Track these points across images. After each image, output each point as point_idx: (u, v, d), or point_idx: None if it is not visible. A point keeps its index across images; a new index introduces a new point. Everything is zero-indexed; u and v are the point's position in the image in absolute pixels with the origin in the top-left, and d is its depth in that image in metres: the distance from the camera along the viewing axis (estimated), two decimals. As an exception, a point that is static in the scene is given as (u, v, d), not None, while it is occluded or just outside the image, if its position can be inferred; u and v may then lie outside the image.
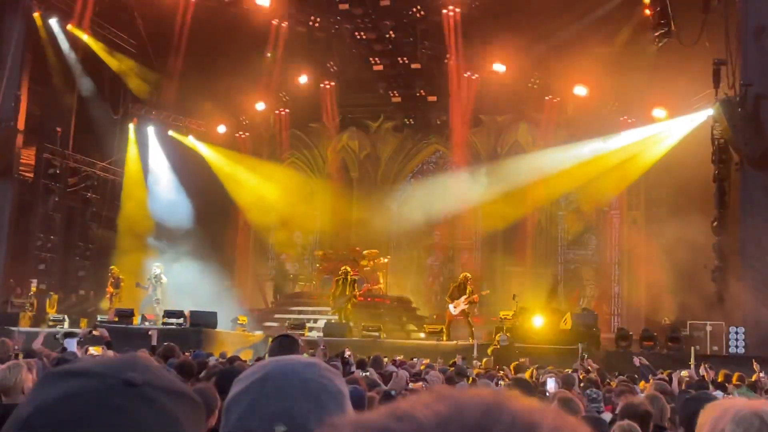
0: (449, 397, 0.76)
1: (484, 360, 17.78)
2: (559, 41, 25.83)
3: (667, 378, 11.88)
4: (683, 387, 11.22)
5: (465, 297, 23.05)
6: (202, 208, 28.17)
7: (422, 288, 30.41)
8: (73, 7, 25.52)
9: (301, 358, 1.72)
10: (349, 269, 24.40)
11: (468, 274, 24.10)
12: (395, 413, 0.75)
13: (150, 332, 13.85)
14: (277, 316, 26.68)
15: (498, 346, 20.20)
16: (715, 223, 21.97)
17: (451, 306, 23.16)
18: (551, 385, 8.10)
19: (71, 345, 10.82)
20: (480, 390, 0.79)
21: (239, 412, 1.56)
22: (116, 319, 20.46)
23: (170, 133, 29.23)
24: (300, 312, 26.57)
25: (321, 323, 23.85)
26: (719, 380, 12.77)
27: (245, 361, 12.79)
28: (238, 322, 22.97)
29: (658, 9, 23.11)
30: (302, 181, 31.13)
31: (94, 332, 12.44)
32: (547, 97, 28.31)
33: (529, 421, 0.74)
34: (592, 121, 27.87)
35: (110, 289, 24.30)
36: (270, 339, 20.10)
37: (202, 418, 1.07)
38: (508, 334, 20.56)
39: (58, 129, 26.26)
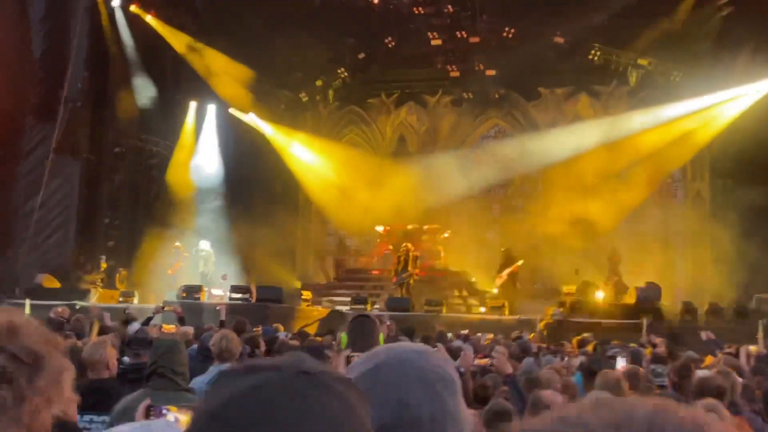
0: (615, 406, 0.83)
1: (532, 335, 17.52)
2: (620, 10, 25.46)
3: (734, 352, 11.77)
4: (751, 362, 11.11)
5: (508, 270, 23.55)
6: (261, 184, 28.50)
7: (483, 262, 30.33)
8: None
9: (412, 345, 1.76)
10: (410, 246, 24.55)
11: (508, 247, 24.57)
12: (565, 419, 0.83)
13: (218, 308, 14.14)
14: (338, 291, 26.94)
15: (551, 321, 20.08)
16: (783, 194, 21.59)
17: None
18: (621, 363, 8.09)
19: (134, 327, 11.07)
20: (641, 399, 0.86)
21: None
22: (184, 294, 20.89)
23: (230, 110, 29.53)
24: (361, 287, 26.79)
25: (383, 298, 24.03)
26: (788, 355, 12.60)
27: (312, 335, 13.02)
28: (302, 297, 23.25)
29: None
30: (361, 157, 31.24)
31: (167, 308, 12.74)
32: (608, 69, 27.92)
33: (693, 430, 0.81)
34: (654, 92, 27.48)
35: (179, 263, 24.80)
36: (333, 312, 20.45)
37: (368, 405, 1.13)
38: (561, 309, 20.46)
39: (123, 108, 26.79)
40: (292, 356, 1.16)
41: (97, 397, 5.79)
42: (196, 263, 24.84)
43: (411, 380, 1.58)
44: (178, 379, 5.48)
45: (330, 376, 1.11)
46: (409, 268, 23.80)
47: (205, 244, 24.74)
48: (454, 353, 9.65)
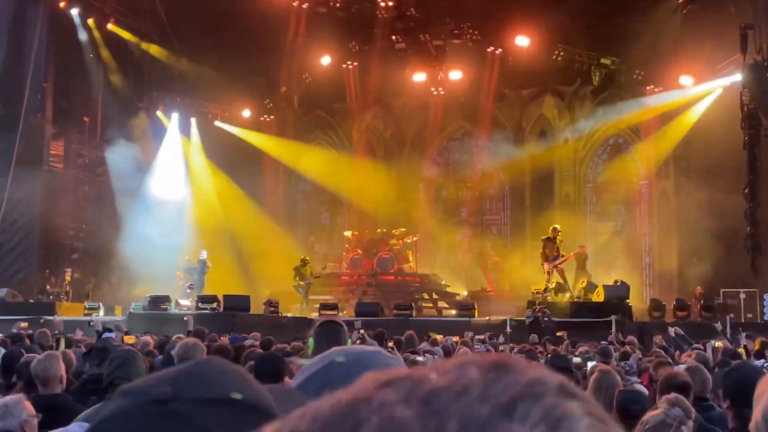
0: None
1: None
2: (581, 11, 25.65)
3: (702, 348, 11.82)
4: (719, 357, 11.16)
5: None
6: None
7: (452, 264, 30.35)
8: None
9: (365, 347, 1.77)
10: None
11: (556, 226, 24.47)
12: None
13: (186, 317, 14.01)
14: (309, 297, 26.74)
15: (525, 322, 19.88)
16: (746, 190, 21.79)
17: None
18: (591, 363, 8.05)
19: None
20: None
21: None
22: (150, 305, 20.69)
23: (192, 120, 29.35)
24: (330, 293, 26.60)
25: (352, 303, 23.90)
26: (756, 348, 12.68)
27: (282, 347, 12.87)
28: (270, 305, 23.05)
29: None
30: (328, 162, 31.12)
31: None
32: (571, 69, 28.05)
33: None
34: (618, 90, 27.72)
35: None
36: (301, 318, 20.30)
37: (251, 421, 0.94)
38: (535, 309, 20.35)
39: (86, 118, 26.48)
40: (182, 369, 1.01)
41: (52, 414, 5.59)
42: (201, 272, 24.75)
43: (360, 377, 1.60)
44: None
45: (189, 401, 0.96)
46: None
47: (203, 254, 24.66)
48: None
